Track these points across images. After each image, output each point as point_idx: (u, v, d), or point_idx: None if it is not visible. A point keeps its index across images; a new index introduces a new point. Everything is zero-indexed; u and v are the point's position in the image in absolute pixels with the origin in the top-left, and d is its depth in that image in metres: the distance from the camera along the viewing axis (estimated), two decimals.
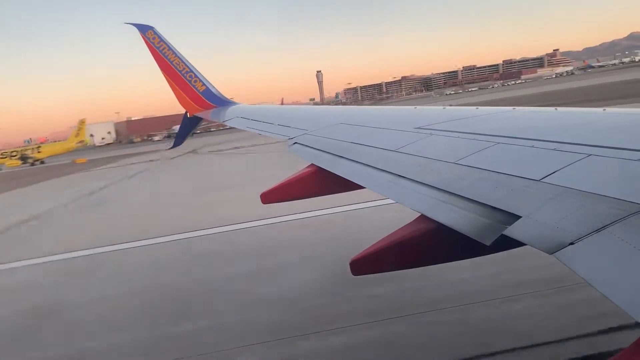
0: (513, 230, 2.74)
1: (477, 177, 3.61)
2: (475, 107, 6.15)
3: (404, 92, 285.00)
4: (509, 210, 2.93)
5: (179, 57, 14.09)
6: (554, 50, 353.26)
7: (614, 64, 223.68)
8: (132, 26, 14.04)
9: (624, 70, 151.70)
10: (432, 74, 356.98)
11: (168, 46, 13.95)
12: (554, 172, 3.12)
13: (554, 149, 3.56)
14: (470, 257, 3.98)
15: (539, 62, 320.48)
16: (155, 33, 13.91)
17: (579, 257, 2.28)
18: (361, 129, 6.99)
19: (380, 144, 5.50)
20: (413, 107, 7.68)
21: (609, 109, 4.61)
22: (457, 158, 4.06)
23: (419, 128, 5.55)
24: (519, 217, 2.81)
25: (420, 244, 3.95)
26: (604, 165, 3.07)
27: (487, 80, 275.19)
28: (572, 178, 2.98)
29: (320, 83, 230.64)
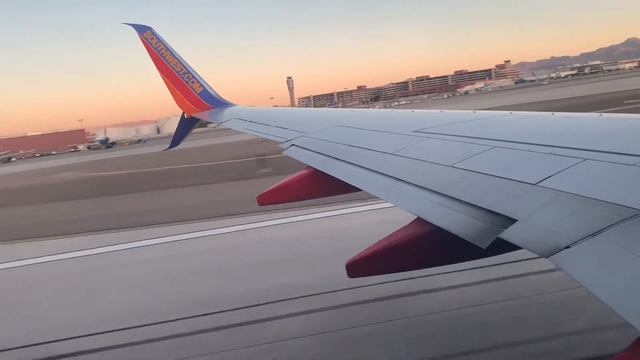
0: (509, 234, 2.74)
1: (474, 180, 3.62)
2: (472, 111, 6.17)
3: (355, 103, 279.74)
4: (505, 214, 2.93)
5: (176, 57, 14.04)
6: (504, 61, 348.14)
7: (543, 78, 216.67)
8: (130, 26, 14.02)
9: (544, 86, 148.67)
10: (386, 84, 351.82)
11: (166, 47, 13.90)
12: (550, 176, 3.13)
13: (550, 153, 3.57)
14: (467, 260, 3.99)
15: (487, 73, 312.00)
16: (153, 33, 13.86)
17: (574, 260, 2.29)
18: (359, 132, 7.00)
19: (377, 147, 5.51)
20: (410, 110, 7.71)
21: (605, 114, 4.64)
22: (454, 161, 4.07)
23: (416, 131, 5.56)
24: (515, 220, 2.82)
25: (417, 246, 3.95)
26: (599, 170, 3.08)
27: (433, 92, 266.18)
28: (568, 182, 3.00)
29: (290, 89, 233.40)
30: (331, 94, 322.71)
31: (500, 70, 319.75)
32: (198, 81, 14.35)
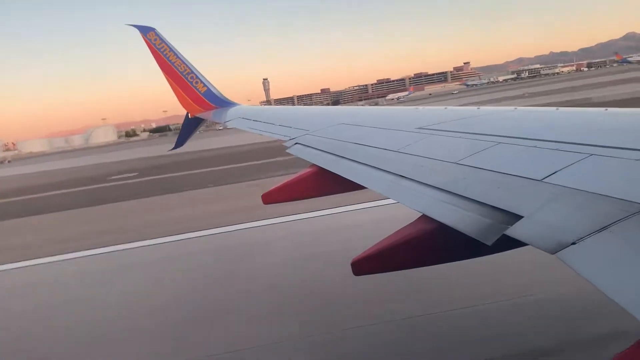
0: (515, 230, 2.73)
1: (479, 177, 3.60)
2: (476, 107, 6.15)
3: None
4: (510, 210, 2.92)
5: (180, 58, 14.09)
6: (463, 63, 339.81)
7: (484, 84, 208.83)
8: (134, 27, 14.06)
9: (477, 92, 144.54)
10: (346, 88, 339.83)
11: (169, 47, 13.95)
12: (555, 172, 3.12)
13: (556, 149, 3.55)
14: (472, 257, 3.96)
15: (443, 76, 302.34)
16: (157, 34, 13.90)
17: (580, 257, 2.27)
18: (362, 129, 6.99)
19: (381, 144, 5.49)
20: (414, 107, 7.69)
21: (610, 109, 4.60)
22: (459, 158, 4.06)
23: (420, 128, 5.54)
24: (520, 217, 2.81)
25: (422, 244, 3.93)
26: (605, 165, 3.06)
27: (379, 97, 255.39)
28: (574, 178, 2.98)
29: (267, 91, 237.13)
30: (291, 98, 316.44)
31: (457, 73, 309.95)
32: (201, 81, 14.40)
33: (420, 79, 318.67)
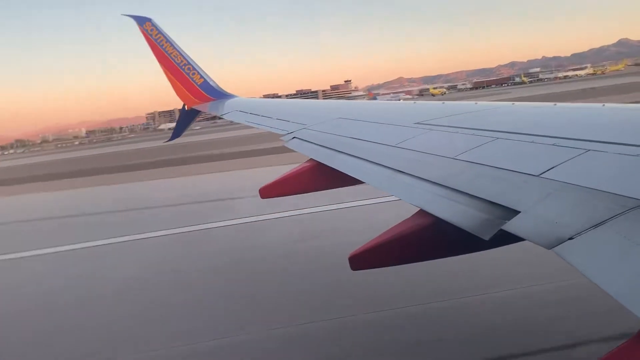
0: (512, 226, 2.74)
1: (476, 172, 3.62)
2: (474, 102, 6.15)
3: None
4: (507, 206, 2.93)
5: (177, 49, 13.97)
6: (344, 81, 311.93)
7: None
8: (129, 18, 13.93)
9: None
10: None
11: (166, 38, 13.82)
12: (553, 168, 3.13)
13: (553, 145, 3.56)
14: (469, 252, 3.98)
15: (316, 95, 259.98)
16: (153, 25, 13.77)
17: (577, 251, 2.29)
18: (360, 124, 6.98)
19: (379, 139, 5.50)
20: (412, 102, 7.69)
21: (608, 105, 4.62)
22: (456, 153, 4.07)
23: (418, 123, 5.55)
24: (517, 212, 2.82)
25: (419, 238, 3.94)
26: (602, 161, 3.08)
27: None
28: (571, 173, 2.99)
29: None
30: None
31: (331, 92, 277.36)
32: (198, 72, 14.29)
33: (297, 97, 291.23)
